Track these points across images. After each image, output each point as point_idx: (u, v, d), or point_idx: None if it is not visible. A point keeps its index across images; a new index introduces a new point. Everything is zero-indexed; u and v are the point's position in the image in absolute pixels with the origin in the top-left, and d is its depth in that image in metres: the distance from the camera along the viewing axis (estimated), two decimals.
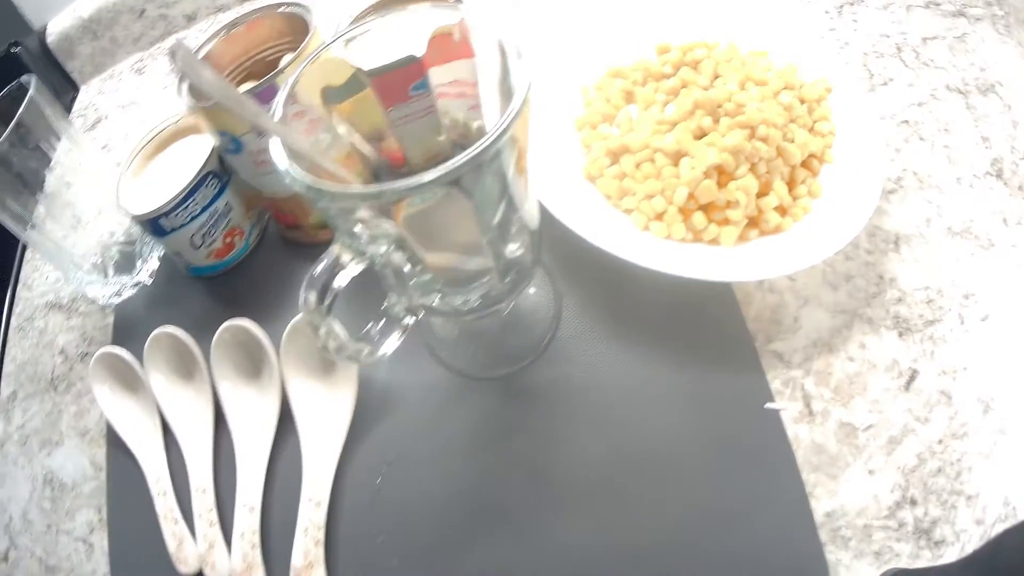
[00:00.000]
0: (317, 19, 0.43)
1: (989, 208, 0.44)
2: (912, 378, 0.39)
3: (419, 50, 0.32)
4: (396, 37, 0.32)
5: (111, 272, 0.50)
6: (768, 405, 0.39)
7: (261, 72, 0.41)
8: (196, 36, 0.69)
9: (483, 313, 0.35)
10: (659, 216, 0.42)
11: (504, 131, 0.24)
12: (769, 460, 0.37)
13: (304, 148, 0.28)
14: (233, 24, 0.44)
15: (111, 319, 0.53)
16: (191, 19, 0.70)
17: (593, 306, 0.44)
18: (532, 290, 0.45)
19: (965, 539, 0.34)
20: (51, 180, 0.47)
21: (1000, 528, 0.34)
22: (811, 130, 0.44)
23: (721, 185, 0.41)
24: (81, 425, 0.49)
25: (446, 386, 0.43)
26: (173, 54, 0.20)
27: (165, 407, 0.46)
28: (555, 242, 0.41)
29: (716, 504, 0.37)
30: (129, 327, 0.52)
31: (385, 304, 0.34)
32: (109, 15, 0.66)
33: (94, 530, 0.46)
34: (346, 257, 0.29)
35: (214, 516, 0.43)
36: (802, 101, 0.44)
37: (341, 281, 0.29)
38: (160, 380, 0.46)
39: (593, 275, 0.44)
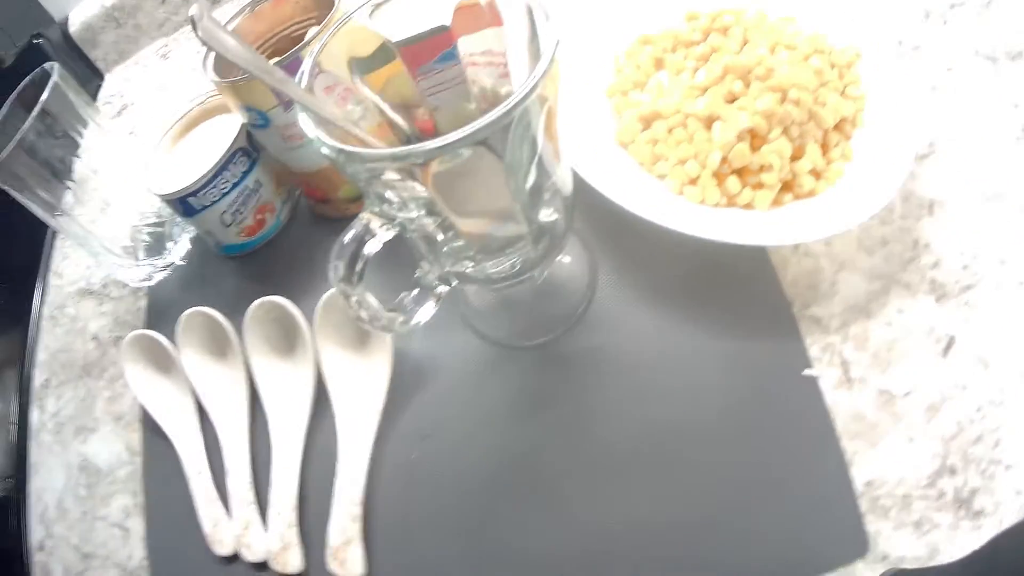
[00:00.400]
0: None
1: (1022, 173, 0.43)
2: (950, 344, 0.38)
3: (447, 19, 0.32)
4: (422, 6, 0.32)
5: (142, 255, 0.51)
6: (806, 371, 0.38)
7: (286, 49, 0.41)
8: (221, 15, 0.68)
9: (517, 280, 0.35)
10: (693, 181, 0.42)
11: (532, 89, 0.24)
12: (807, 428, 0.37)
13: (332, 116, 0.28)
14: (258, 1, 0.44)
15: (144, 302, 0.53)
16: (215, 0, 0.69)
17: (629, 273, 0.44)
18: (567, 258, 0.45)
19: (1004, 511, 0.33)
20: (79, 166, 0.47)
21: None
22: (842, 94, 0.43)
23: (754, 149, 0.41)
24: (115, 410, 0.49)
25: (482, 356, 0.43)
26: (195, 21, 0.20)
27: (199, 387, 0.46)
28: (589, 209, 0.41)
29: (754, 473, 0.36)
30: (162, 309, 0.52)
31: (418, 273, 0.34)
32: (132, 2, 0.66)
33: (130, 515, 0.46)
34: (375, 224, 0.29)
35: (250, 496, 0.43)
36: (832, 65, 0.44)
37: (371, 248, 0.29)
38: (193, 360, 0.47)
39: (628, 242, 0.44)
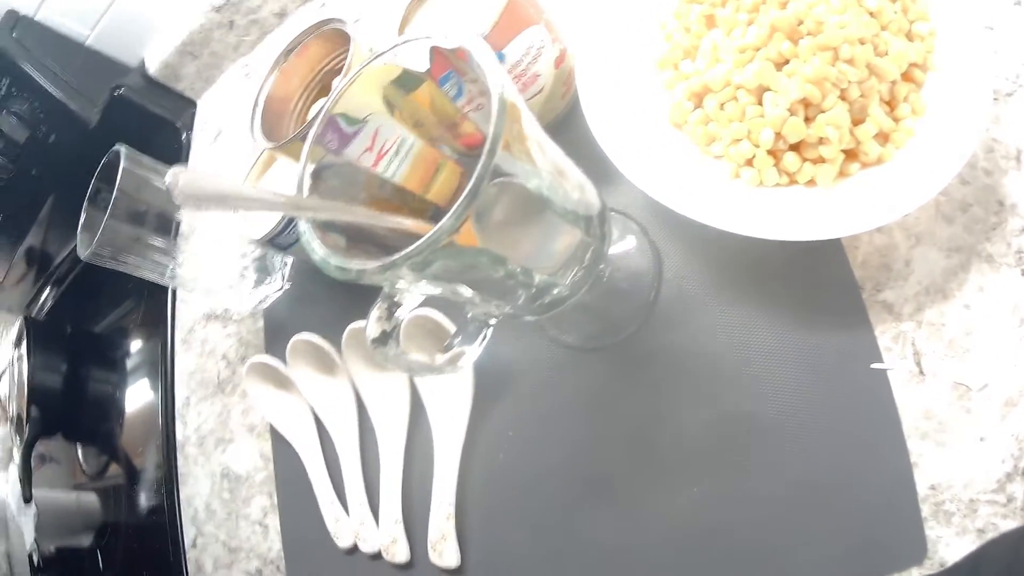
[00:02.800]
0: (358, 28, 0.43)
1: None
2: None
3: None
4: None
5: (251, 285, 0.56)
6: (875, 365, 0.36)
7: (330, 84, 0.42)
8: (259, 66, 0.70)
9: (582, 286, 0.35)
10: (749, 162, 0.39)
11: (491, 152, 0.24)
12: (874, 426, 0.35)
13: (339, 209, 0.29)
14: (288, 52, 0.45)
15: (262, 323, 0.59)
16: (281, 15, 0.71)
17: (692, 265, 0.42)
18: (630, 249, 0.44)
19: None
20: (184, 223, 0.52)
21: None
22: (908, 35, 0.38)
23: (810, 120, 0.37)
24: (248, 422, 0.56)
25: (558, 360, 0.44)
26: (171, 187, 0.21)
27: (313, 402, 0.52)
28: (647, 198, 0.39)
29: (816, 472, 0.36)
30: (278, 328, 0.57)
31: (469, 313, 0.35)
32: (201, 35, 0.69)
33: (267, 513, 0.53)
34: (401, 295, 0.30)
35: (363, 497, 0.49)
36: (893, 0, 0.38)
37: (402, 315, 0.30)
38: (305, 378, 0.52)
39: (689, 231, 0.41)
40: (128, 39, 0.71)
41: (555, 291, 0.33)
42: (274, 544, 0.52)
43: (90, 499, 0.69)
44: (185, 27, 0.68)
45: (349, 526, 0.48)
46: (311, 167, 0.29)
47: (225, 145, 0.69)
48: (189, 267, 0.53)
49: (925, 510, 0.33)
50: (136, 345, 0.70)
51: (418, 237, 0.24)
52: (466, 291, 0.31)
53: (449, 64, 0.31)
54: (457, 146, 0.34)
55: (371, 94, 0.31)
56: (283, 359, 0.52)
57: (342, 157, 0.31)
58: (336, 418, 0.51)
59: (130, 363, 0.70)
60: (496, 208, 0.28)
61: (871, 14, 0.37)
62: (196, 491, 0.57)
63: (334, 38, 0.45)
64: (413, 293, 0.31)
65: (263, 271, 0.57)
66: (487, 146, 0.24)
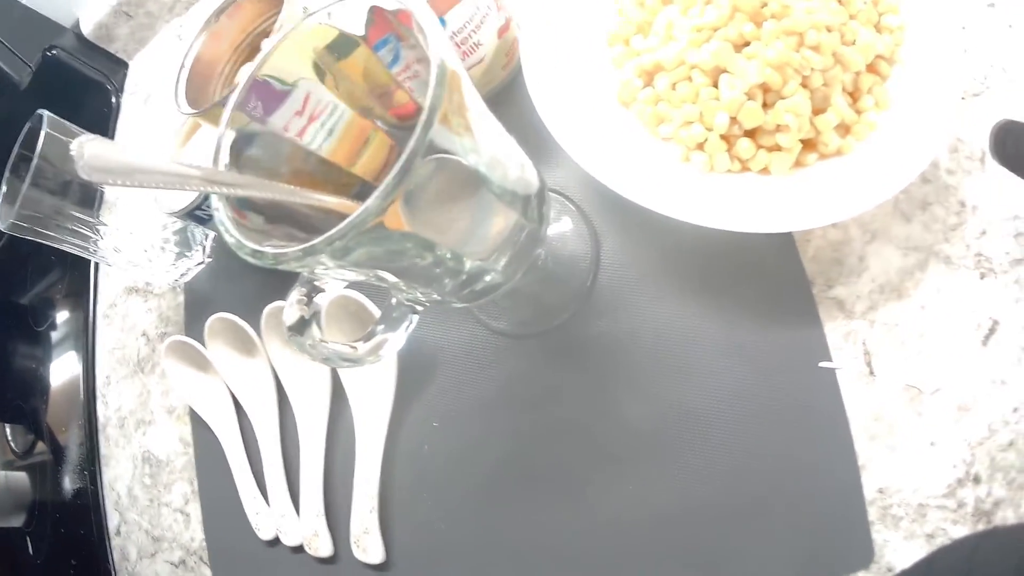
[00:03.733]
0: None
1: None
2: (992, 331, 0.33)
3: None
4: None
5: (172, 258, 0.52)
6: (823, 364, 0.34)
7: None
8: (188, 31, 0.67)
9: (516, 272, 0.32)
10: (700, 146, 0.37)
11: (427, 124, 0.21)
12: (821, 426, 0.34)
13: (259, 186, 0.26)
14: (219, 13, 0.42)
15: (183, 298, 0.55)
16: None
17: (633, 249, 0.40)
18: (567, 231, 0.42)
19: None
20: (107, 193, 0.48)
21: None
22: (877, 26, 0.36)
23: (768, 106, 0.35)
24: (168, 404, 0.53)
25: (487, 347, 0.42)
26: (75, 159, 0.18)
27: (232, 385, 0.48)
28: (587, 177, 0.37)
29: (762, 472, 0.34)
30: (199, 304, 0.54)
31: (394, 299, 0.33)
32: None
33: (188, 501, 0.50)
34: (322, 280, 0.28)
35: (284, 487, 0.46)
36: None
37: (322, 302, 0.29)
38: (224, 360, 0.49)
39: (631, 214, 0.39)
40: None
41: (487, 278, 0.31)
42: (196, 534, 0.49)
43: (19, 478, 0.65)
44: None
45: (270, 518, 0.46)
46: (231, 136, 0.27)
47: (155, 109, 0.65)
48: (110, 239, 0.49)
49: (872, 513, 0.32)
50: (61, 317, 0.66)
51: (342, 217, 0.21)
52: (390, 278, 0.29)
53: (389, 27, 0.28)
54: (388, 117, 0.32)
55: (301, 58, 0.28)
56: (203, 338, 0.49)
57: (266, 126, 0.28)
58: (256, 403, 0.48)
59: (55, 336, 0.66)
60: (428, 187, 0.26)
61: (840, 2, 0.36)
62: (118, 474, 0.54)
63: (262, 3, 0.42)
64: (334, 278, 0.29)
65: (184, 244, 0.53)
66: (423, 117, 0.21)
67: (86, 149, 0.18)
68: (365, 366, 0.34)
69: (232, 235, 0.24)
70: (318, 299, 0.29)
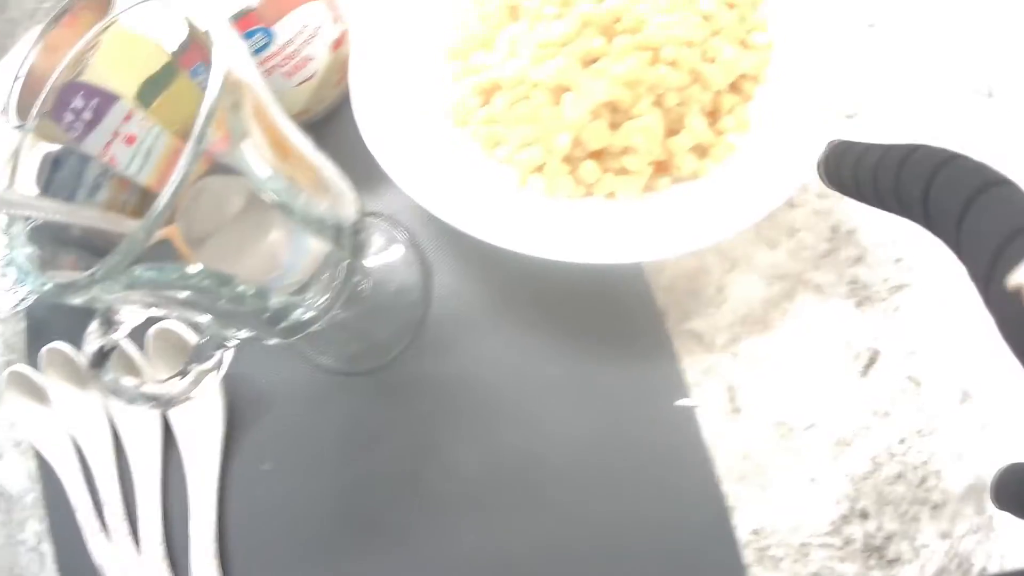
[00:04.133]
0: None
1: (977, 135, 0.34)
2: (872, 361, 0.31)
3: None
4: None
5: (9, 283, 0.48)
6: (679, 402, 0.32)
7: None
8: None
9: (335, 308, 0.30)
10: (540, 169, 0.34)
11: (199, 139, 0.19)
12: (683, 468, 0.32)
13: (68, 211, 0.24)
14: (55, 20, 0.39)
15: (24, 324, 0.51)
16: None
17: (468, 280, 0.37)
18: (394, 260, 0.39)
19: (927, 555, 0.28)
20: None
21: (970, 541, 0.28)
22: (743, 43, 0.34)
23: (615, 126, 0.33)
24: (14, 436, 0.49)
25: (317, 384, 0.39)
26: None
27: (67, 418, 0.45)
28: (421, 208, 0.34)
29: (620, 519, 0.32)
30: (40, 330, 0.50)
31: (204, 335, 0.30)
32: None
33: (41, 540, 0.46)
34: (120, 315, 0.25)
35: (125, 528, 0.42)
36: (731, 6, 0.35)
37: (119, 336, 0.26)
38: (60, 392, 0.45)
39: (466, 243, 0.35)
40: None
41: (297, 314, 0.28)
42: (52, 574, 0.45)
43: None
44: None
45: (116, 561, 0.42)
46: (37, 149, 0.25)
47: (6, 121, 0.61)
48: None
49: (748, 556, 0.30)
50: None
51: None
52: (193, 314, 0.26)
53: (202, 55, 0.26)
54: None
55: (123, 78, 0.26)
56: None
57: (81, 145, 0.26)
58: (91, 440, 0.44)
59: None
60: (213, 212, 0.23)
61: (704, 17, 0.34)
62: None
63: (107, 6, 0.39)
64: (132, 312, 0.26)
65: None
66: (195, 130, 0.19)
67: None
68: (177, 406, 0.32)
69: (21, 261, 0.22)
70: (115, 334, 0.25)
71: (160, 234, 0.19)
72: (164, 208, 0.18)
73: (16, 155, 0.25)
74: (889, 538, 0.29)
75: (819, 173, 0.27)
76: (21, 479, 0.48)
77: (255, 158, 0.22)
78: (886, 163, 0.27)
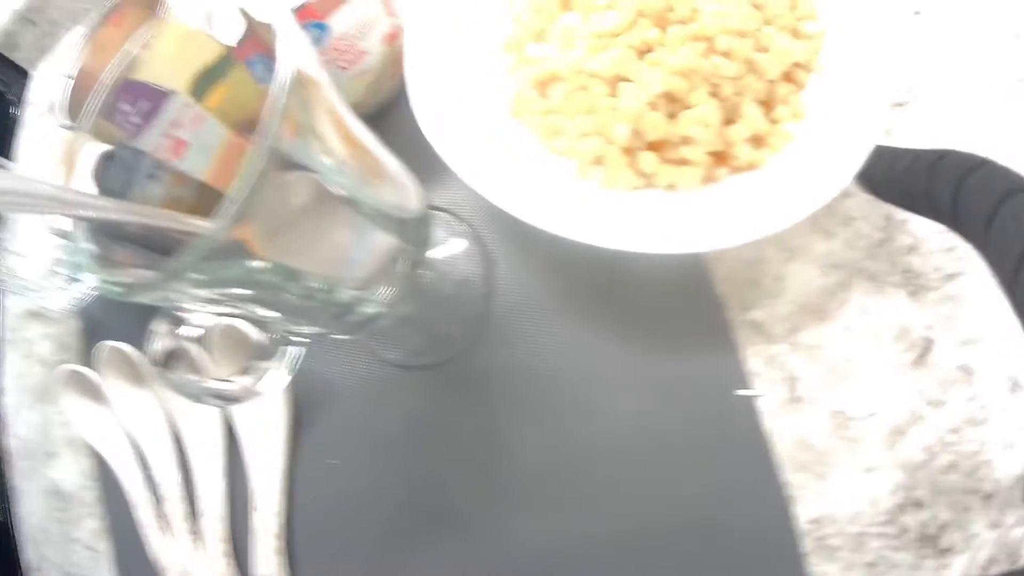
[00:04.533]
0: None
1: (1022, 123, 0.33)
2: (926, 350, 0.31)
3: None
4: None
5: (64, 282, 0.49)
6: (740, 392, 0.32)
7: None
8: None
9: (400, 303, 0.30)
10: (599, 160, 0.34)
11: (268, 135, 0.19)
12: (743, 458, 0.32)
13: (121, 209, 0.24)
14: (103, 19, 0.39)
15: (79, 323, 0.52)
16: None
17: (529, 272, 0.37)
18: (459, 249, 0.39)
19: (977, 545, 0.29)
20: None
21: (1020, 531, 0.28)
22: (794, 32, 0.34)
23: (673, 116, 0.33)
24: (69, 435, 0.49)
25: (383, 379, 0.39)
26: None
27: (124, 416, 0.45)
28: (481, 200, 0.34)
29: (681, 508, 0.32)
30: (94, 330, 0.50)
31: (270, 333, 0.30)
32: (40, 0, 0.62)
33: (99, 537, 0.47)
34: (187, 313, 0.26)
35: (186, 527, 0.43)
36: None
37: (189, 334, 0.26)
38: (116, 391, 0.45)
39: (527, 235, 0.35)
40: None
41: (366, 308, 0.28)
42: (107, 572, 0.46)
43: None
44: None
45: (176, 556, 0.43)
46: (94, 149, 0.25)
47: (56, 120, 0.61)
48: (5, 262, 0.46)
49: (807, 545, 0.30)
50: None
51: None
52: (261, 310, 0.26)
53: (260, 46, 0.26)
54: None
55: (176, 72, 0.26)
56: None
57: (136, 142, 0.25)
58: (150, 439, 0.44)
59: None
60: (284, 208, 0.23)
61: (755, 6, 0.34)
62: (31, 509, 0.50)
63: (155, 3, 0.39)
64: (202, 311, 0.26)
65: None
66: (262, 127, 0.19)
67: None
68: (244, 403, 0.32)
69: (85, 260, 0.22)
70: (183, 332, 0.26)
71: (233, 232, 0.19)
72: (237, 208, 0.18)
73: (71, 155, 0.25)
74: (943, 528, 0.29)
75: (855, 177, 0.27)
76: (76, 477, 0.49)
77: (323, 152, 0.23)
78: (916, 168, 0.27)
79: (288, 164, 0.21)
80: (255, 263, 0.22)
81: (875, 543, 0.30)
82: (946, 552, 0.29)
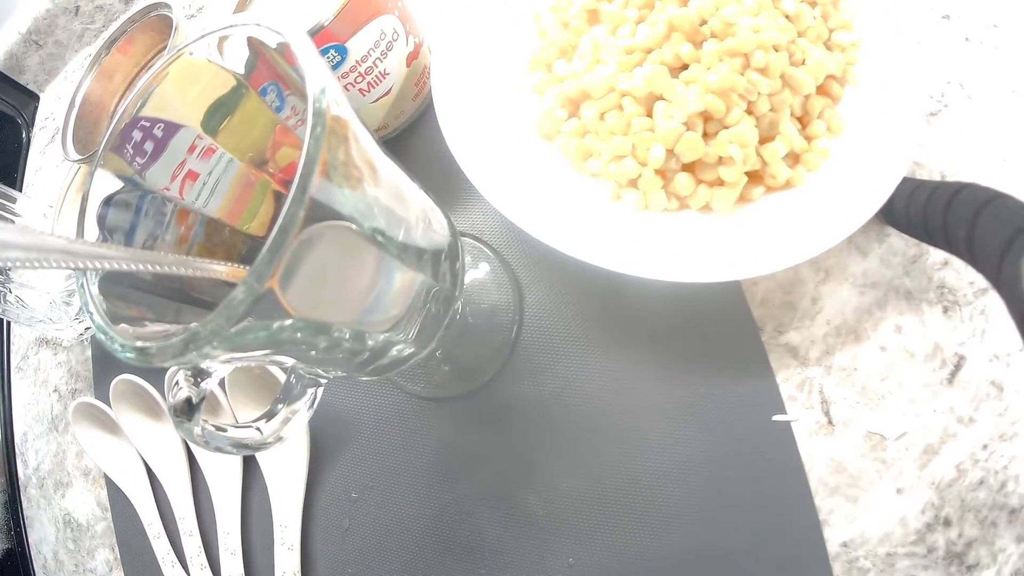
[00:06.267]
0: (191, 17, 0.36)
1: None
2: (958, 367, 0.30)
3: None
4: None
5: (74, 312, 0.48)
6: (776, 417, 0.31)
7: None
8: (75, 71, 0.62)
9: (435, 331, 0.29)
10: (632, 182, 0.33)
11: (302, 187, 0.17)
12: (778, 483, 0.31)
13: (134, 258, 0.22)
14: (109, 45, 0.38)
15: (90, 352, 0.51)
16: (128, 1, 0.63)
17: (559, 299, 0.36)
18: (486, 276, 0.38)
19: (1003, 560, 0.28)
20: None
21: None
22: (827, 44, 0.34)
23: (709, 136, 0.32)
24: (83, 465, 0.49)
25: (406, 411, 0.38)
26: None
27: (142, 450, 0.44)
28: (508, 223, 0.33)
29: (713, 538, 0.31)
30: (107, 358, 0.50)
31: (293, 376, 0.29)
32: (45, 21, 0.62)
33: (112, 568, 0.46)
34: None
35: (203, 559, 0.42)
36: (814, 4, 0.34)
37: (209, 386, 0.24)
38: (132, 423, 0.45)
39: (556, 260, 0.35)
40: None
41: (396, 351, 0.27)
42: None
43: None
44: (29, 13, 0.61)
45: None
46: (104, 186, 0.23)
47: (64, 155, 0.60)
48: (15, 294, 0.45)
49: (837, 569, 0.29)
50: None
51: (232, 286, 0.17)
52: (288, 361, 0.25)
53: (272, 73, 0.25)
54: (279, 168, 0.28)
55: (187, 104, 0.25)
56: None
57: (144, 180, 0.24)
58: (167, 470, 0.43)
59: None
60: (311, 261, 0.21)
61: (788, 18, 0.33)
62: (43, 537, 0.50)
63: (162, 28, 0.38)
64: (224, 363, 0.25)
65: None
66: (297, 181, 0.17)
67: None
68: (269, 447, 0.31)
69: (99, 322, 0.20)
70: (205, 384, 0.24)
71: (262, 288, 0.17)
72: (277, 255, 0.17)
73: (84, 198, 0.23)
74: (969, 544, 0.29)
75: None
76: (91, 507, 0.48)
77: (351, 193, 0.21)
78: (934, 201, 0.27)
79: (316, 213, 0.20)
80: (279, 322, 0.20)
81: (904, 563, 0.29)
82: (972, 568, 0.28)
